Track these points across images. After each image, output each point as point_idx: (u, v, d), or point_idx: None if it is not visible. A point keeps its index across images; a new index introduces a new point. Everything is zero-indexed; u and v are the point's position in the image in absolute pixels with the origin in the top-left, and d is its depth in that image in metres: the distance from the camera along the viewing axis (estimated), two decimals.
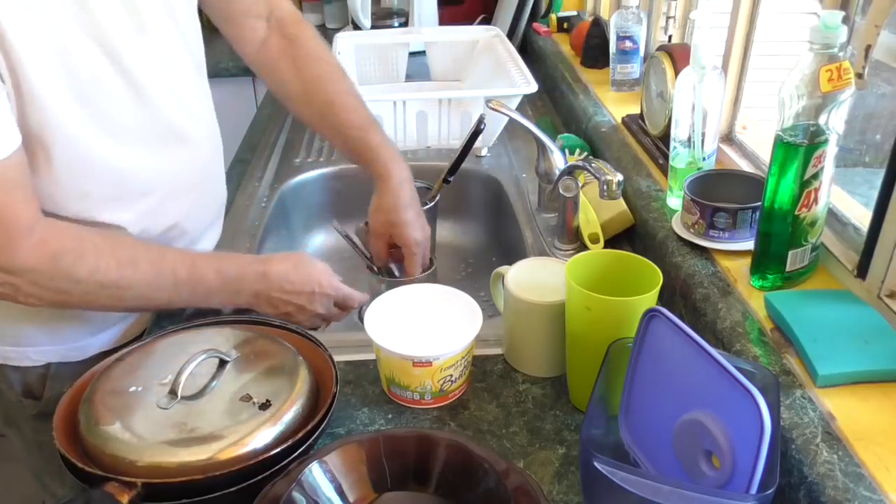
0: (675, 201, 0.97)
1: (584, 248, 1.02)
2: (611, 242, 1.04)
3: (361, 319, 0.82)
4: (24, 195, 0.74)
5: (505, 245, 1.25)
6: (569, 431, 0.74)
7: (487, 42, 1.57)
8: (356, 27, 1.90)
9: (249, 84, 2.04)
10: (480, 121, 1.08)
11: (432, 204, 1.13)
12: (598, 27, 1.55)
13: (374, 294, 0.88)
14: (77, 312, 0.90)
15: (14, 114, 0.72)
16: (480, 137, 1.11)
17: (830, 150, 0.72)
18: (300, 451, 0.66)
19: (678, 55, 1.07)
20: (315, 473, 0.63)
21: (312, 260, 0.90)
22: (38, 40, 0.72)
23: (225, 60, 1.91)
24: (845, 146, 0.74)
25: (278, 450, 0.64)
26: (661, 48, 1.13)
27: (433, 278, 1.02)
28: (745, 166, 1.01)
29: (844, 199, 0.85)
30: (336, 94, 1.01)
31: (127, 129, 0.83)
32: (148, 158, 0.86)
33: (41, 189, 0.78)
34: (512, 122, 1.12)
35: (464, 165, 1.12)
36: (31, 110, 0.74)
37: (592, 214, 1.04)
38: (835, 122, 0.71)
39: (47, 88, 0.74)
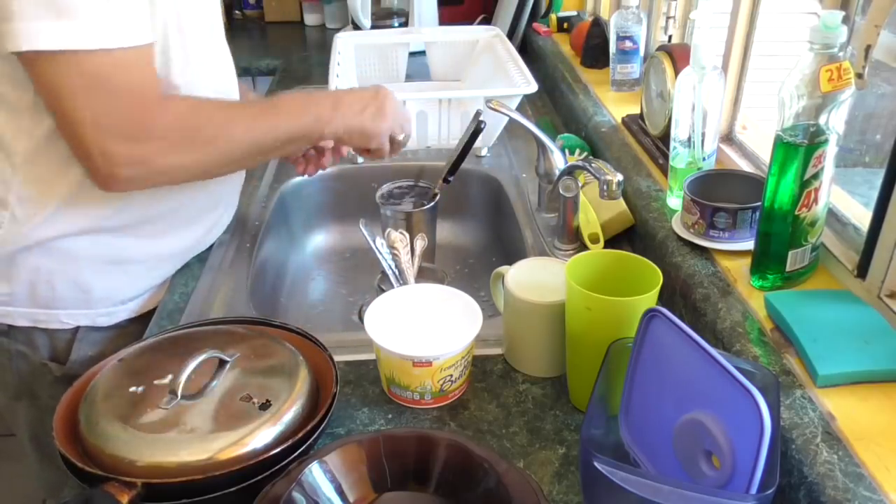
0: (675, 201, 0.97)
1: (584, 248, 1.02)
2: (611, 242, 1.04)
3: (361, 319, 0.82)
4: (155, 75, 0.84)
5: (505, 245, 1.25)
6: (569, 431, 0.74)
7: (487, 42, 1.57)
8: (356, 27, 1.90)
9: (249, 84, 2.05)
10: (478, 115, 1.08)
11: (432, 204, 1.13)
12: (598, 27, 1.55)
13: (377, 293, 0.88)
14: (111, 276, 0.96)
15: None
16: (480, 137, 1.11)
17: (830, 150, 0.72)
18: (300, 451, 0.66)
19: (678, 55, 1.07)
20: (315, 473, 0.63)
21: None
22: None
23: None
24: (845, 146, 0.74)
25: (278, 450, 0.64)
26: (661, 48, 1.13)
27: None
28: (745, 166, 1.01)
29: (844, 199, 0.85)
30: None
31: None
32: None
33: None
34: (512, 122, 1.12)
35: (464, 165, 1.12)
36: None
37: (592, 214, 1.04)
38: (835, 122, 0.71)
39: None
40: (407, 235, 0.99)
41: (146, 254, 0.98)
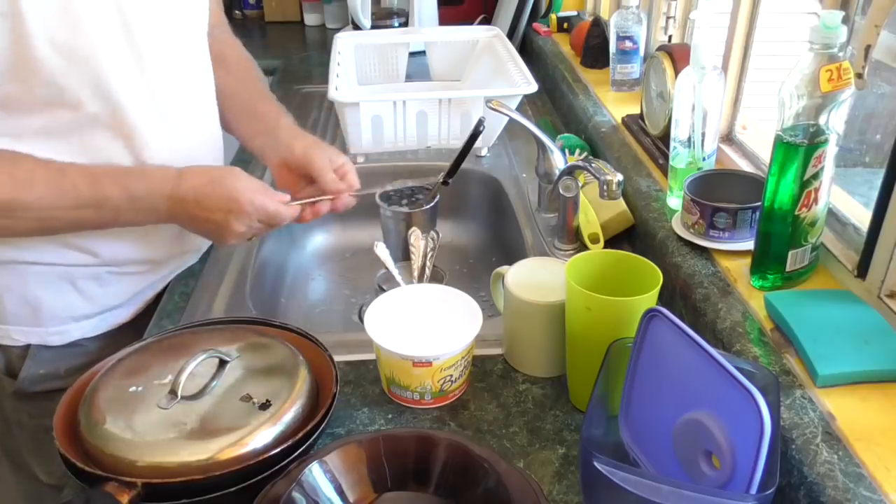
0: (675, 201, 0.97)
1: (584, 248, 1.02)
2: (611, 242, 1.04)
3: (361, 319, 0.82)
4: None
5: (505, 245, 1.25)
6: (569, 431, 0.74)
7: (487, 42, 1.57)
8: (356, 27, 1.90)
9: None
10: (480, 123, 1.08)
11: (432, 204, 1.13)
12: (598, 27, 1.55)
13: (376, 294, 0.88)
14: (62, 293, 0.90)
15: None
16: (480, 137, 1.11)
17: (830, 150, 0.72)
18: (300, 451, 0.66)
19: (678, 55, 1.07)
20: (315, 473, 0.63)
21: (235, 175, 0.84)
22: None
23: None
24: (845, 146, 0.74)
25: (278, 450, 0.64)
26: (661, 48, 1.13)
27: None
28: (745, 166, 1.01)
29: (844, 199, 0.85)
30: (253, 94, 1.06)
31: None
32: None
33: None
34: (512, 122, 1.12)
35: (464, 165, 1.12)
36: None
37: (592, 214, 1.04)
38: (835, 122, 0.71)
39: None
40: (426, 235, 1.00)
41: (103, 272, 0.93)
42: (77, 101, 0.80)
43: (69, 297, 0.91)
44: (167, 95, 0.89)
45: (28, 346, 0.93)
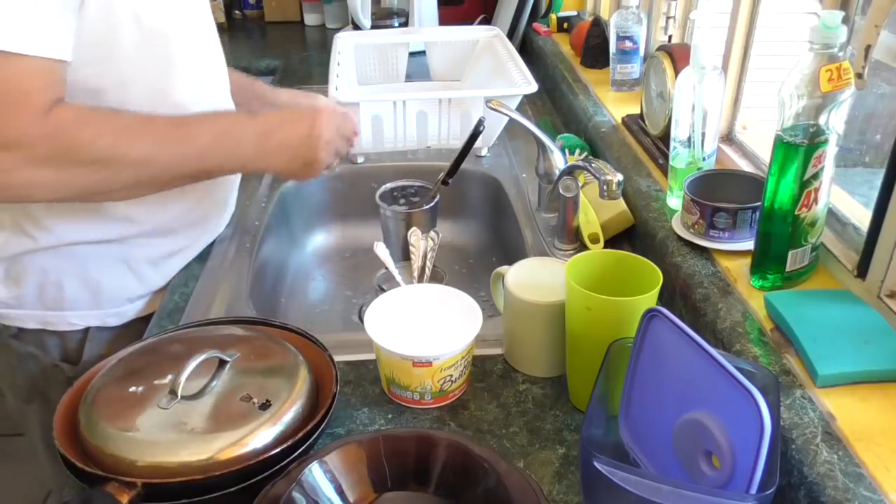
0: (675, 201, 0.97)
1: (584, 248, 1.02)
2: (611, 242, 1.04)
3: (361, 319, 0.82)
4: (46, 85, 0.75)
5: (505, 245, 1.25)
6: (569, 431, 0.74)
7: (487, 42, 1.57)
8: (356, 27, 1.90)
9: None
10: (480, 123, 1.08)
11: (432, 204, 1.13)
12: (598, 27, 1.55)
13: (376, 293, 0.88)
14: (119, 275, 0.96)
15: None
16: (480, 137, 1.11)
17: (830, 150, 0.72)
18: (300, 451, 0.66)
19: (678, 55, 1.07)
20: (315, 473, 0.63)
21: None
22: None
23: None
24: (845, 146, 0.74)
25: (278, 450, 0.64)
26: (661, 48, 1.13)
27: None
28: (745, 166, 1.01)
29: (844, 199, 0.85)
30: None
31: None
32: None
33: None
34: (512, 122, 1.12)
35: (464, 165, 1.12)
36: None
37: (592, 214, 1.04)
38: (835, 122, 0.71)
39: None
40: (426, 236, 1.01)
41: (154, 254, 0.98)
42: (142, 80, 0.85)
43: (125, 279, 0.97)
44: (208, 74, 0.96)
45: (86, 330, 0.98)
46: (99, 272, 0.94)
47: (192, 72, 0.91)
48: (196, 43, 0.93)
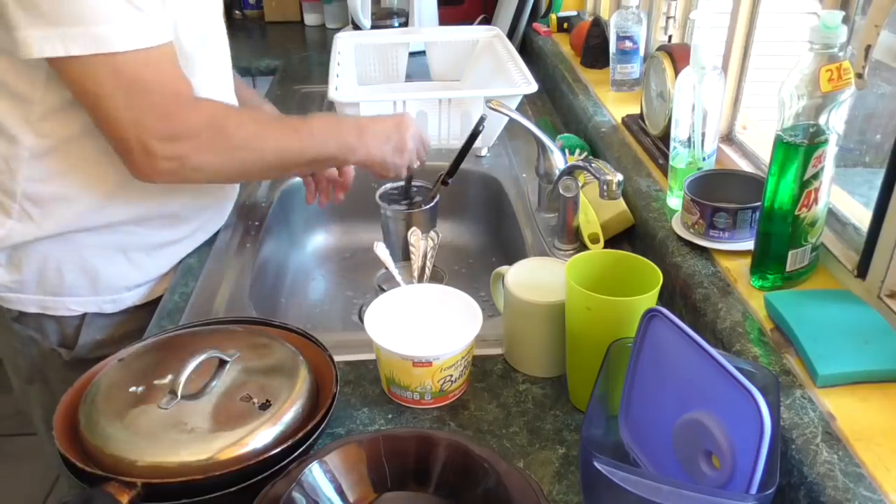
0: (675, 201, 0.97)
1: (584, 248, 1.02)
2: (611, 242, 1.04)
3: (361, 319, 0.82)
4: (184, 75, 0.86)
5: (505, 245, 1.25)
6: (569, 431, 0.74)
7: (487, 42, 1.57)
8: (356, 27, 1.90)
9: (249, 84, 2.05)
10: (481, 122, 1.08)
11: (432, 204, 1.13)
12: (598, 27, 1.55)
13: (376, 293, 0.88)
14: (117, 263, 0.99)
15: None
16: (480, 137, 1.11)
17: (830, 150, 0.72)
18: (300, 451, 0.66)
19: (678, 55, 1.07)
20: (315, 473, 0.63)
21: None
22: None
23: None
24: (845, 146, 0.74)
25: (278, 450, 0.64)
26: (661, 48, 1.13)
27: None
28: (745, 166, 1.01)
29: (844, 199, 0.85)
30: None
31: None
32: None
33: None
34: (512, 122, 1.12)
35: (464, 165, 1.12)
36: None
37: (592, 214, 1.04)
38: (835, 122, 0.71)
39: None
40: (426, 236, 1.01)
41: (152, 243, 1.00)
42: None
43: (122, 267, 0.99)
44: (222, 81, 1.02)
45: (83, 316, 1.01)
46: (98, 260, 0.97)
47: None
48: (211, 66, 0.98)
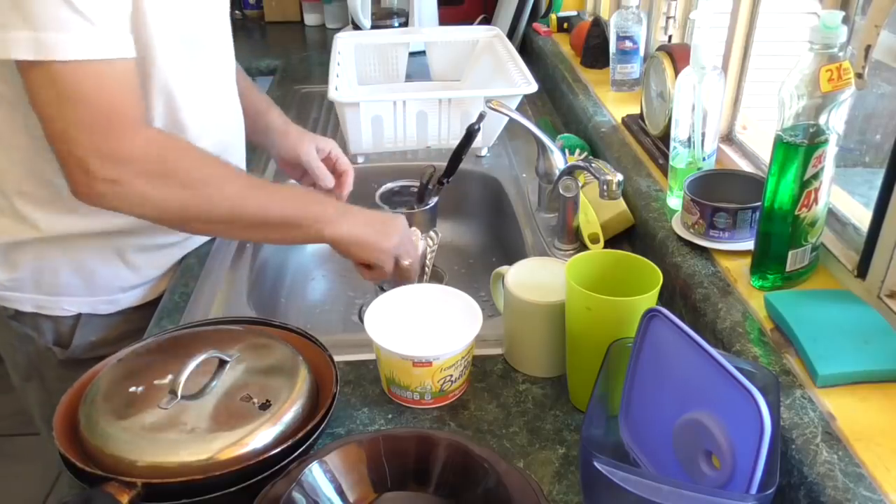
0: (675, 201, 0.97)
1: (584, 248, 1.02)
2: (611, 242, 1.04)
3: (361, 319, 0.82)
4: (137, 97, 0.81)
5: (505, 245, 1.25)
6: (569, 431, 0.74)
7: (487, 42, 1.57)
8: (356, 27, 1.90)
9: None
10: (481, 118, 1.08)
11: (432, 204, 1.13)
12: (598, 27, 1.55)
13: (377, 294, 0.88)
14: (112, 265, 0.98)
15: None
16: (480, 137, 1.11)
17: (830, 150, 0.72)
18: (300, 451, 0.66)
19: (678, 55, 1.07)
20: (315, 473, 0.63)
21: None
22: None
23: None
24: (845, 146, 0.74)
25: (278, 450, 0.64)
26: (661, 48, 1.13)
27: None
28: (745, 166, 1.01)
29: (844, 199, 0.85)
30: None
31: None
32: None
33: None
34: (512, 122, 1.12)
35: (463, 165, 1.12)
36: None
37: (592, 214, 1.04)
38: (835, 122, 0.71)
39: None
40: (426, 236, 1.01)
41: (149, 245, 1.00)
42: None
43: (118, 268, 0.99)
44: (220, 105, 1.01)
45: (79, 316, 1.00)
46: (93, 261, 0.97)
47: (202, 103, 0.94)
48: (215, 67, 0.97)
